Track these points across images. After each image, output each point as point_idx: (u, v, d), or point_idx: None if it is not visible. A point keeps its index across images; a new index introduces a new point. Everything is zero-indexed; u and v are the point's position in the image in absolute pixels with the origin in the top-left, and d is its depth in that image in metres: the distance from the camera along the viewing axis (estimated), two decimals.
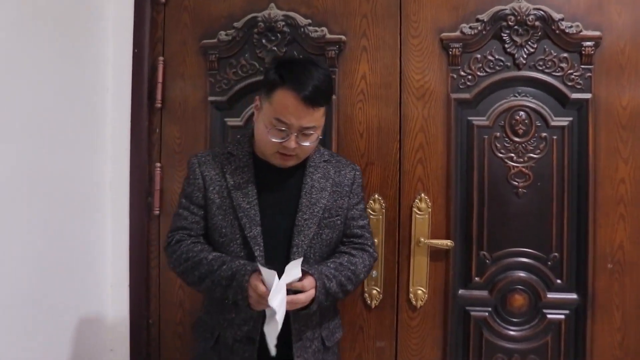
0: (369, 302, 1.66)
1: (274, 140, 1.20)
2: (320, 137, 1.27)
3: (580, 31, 1.56)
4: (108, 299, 1.74)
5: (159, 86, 1.73)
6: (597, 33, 1.57)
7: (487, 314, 1.64)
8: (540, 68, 1.59)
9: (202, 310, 1.40)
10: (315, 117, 1.20)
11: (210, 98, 1.72)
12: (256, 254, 1.23)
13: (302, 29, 1.67)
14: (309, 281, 1.17)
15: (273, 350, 1.10)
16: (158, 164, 1.75)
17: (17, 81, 1.33)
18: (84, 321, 1.62)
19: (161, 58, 1.74)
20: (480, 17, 1.60)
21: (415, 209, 1.63)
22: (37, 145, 1.41)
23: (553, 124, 1.60)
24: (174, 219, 1.33)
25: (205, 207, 1.30)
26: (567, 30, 1.57)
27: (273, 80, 1.19)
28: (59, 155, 1.50)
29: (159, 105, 1.74)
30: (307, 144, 1.22)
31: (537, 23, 1.58)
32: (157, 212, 1.74)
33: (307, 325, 1.28)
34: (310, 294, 1.17)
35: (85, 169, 1.63)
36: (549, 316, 1.61)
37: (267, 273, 1.11)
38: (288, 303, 1.12)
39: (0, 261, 1.28)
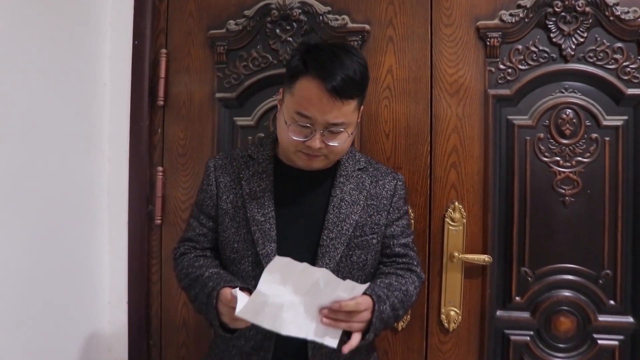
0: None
1: (295, 138, 1.06)
2: (351, 135, 1.10)
3: (639, 17, 1.45)
4: (105, 317, 1.67)
5: (162, 82, 1.66)
6: None
7: (528, 338, 1.53)
8: (591, 60, 1.48)
9: (215, 332, 1.26)
10: (344, 112, 1.04)
11: (218, 95, 1.64)
12: None
13: (321, 17, 1.58)
14: (365, 300, 1.00)
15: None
16: (160, 168, 1.67)
17: (3, 75, 1.25)
18: (78, 342, 1.56)
19: (164, 50, 1.67)
20: (522, 2, 1.50)
21: (448, 220, 1.52)
22: (25, 147, 1.33)
23: (605, 123, 1.49)
24: (185, 228, 1.29)
25: (217, 219, 1.18)
26: (622, 17, 1.45)
27: (295, 67, 1.05)
28: (50, 159, 1.43)
29: (161, 102, 1.67)
30: (335, 144, 1.07)
31: (587, 9, 1.47)
32: (159, 222, 1.66)
33: None
34: (364, 315, 0.99)
35: (79, 174, 1.56)
36: (600, 342, 1.50)
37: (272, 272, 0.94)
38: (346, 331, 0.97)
39: None
